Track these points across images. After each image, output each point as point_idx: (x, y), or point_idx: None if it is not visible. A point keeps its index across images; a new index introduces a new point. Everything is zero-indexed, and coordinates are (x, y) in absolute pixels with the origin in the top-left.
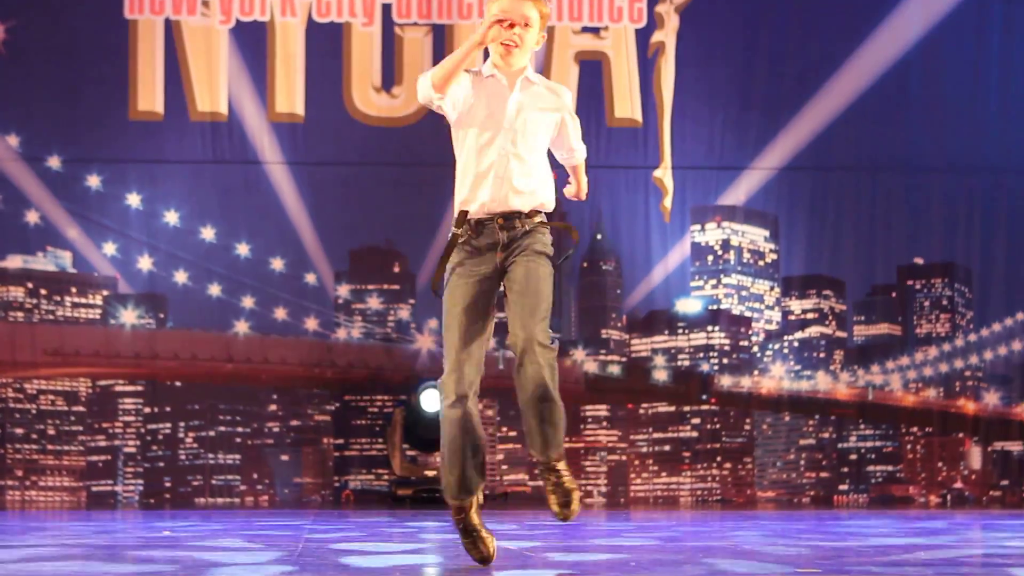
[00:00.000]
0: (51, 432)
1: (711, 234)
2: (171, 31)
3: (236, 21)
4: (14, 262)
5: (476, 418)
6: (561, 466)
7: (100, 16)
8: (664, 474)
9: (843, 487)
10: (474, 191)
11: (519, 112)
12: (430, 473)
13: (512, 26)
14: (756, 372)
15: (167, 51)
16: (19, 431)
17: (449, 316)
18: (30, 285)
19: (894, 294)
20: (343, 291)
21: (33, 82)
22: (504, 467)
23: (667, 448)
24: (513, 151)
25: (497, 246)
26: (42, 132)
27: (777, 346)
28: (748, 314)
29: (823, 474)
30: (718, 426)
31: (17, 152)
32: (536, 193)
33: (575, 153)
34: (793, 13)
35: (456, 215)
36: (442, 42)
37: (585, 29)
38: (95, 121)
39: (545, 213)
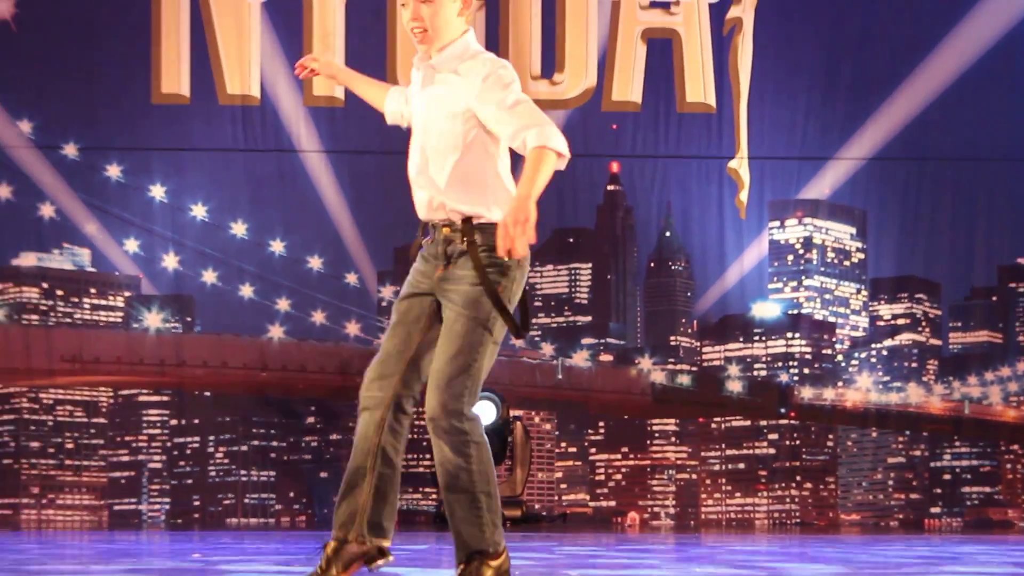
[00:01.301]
0: (69, 446)
1: (791, 231)
2: (198, 5)
3: None
4: (28, 260)
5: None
6: (472, 571)
7: None
8: (738, 495)
9: (935, 510)
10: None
11: (424, 108)
12: None
13: (416, 14)
14: (840, 383)
15: (193, 27)
16: (35, 445)
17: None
18: (45, 286)
19: (995, 298)
20: (387, 292)
21: (47, 62)
22: (563, 486)
23: (741, 466)
24: (420, 154)
25: (438, 257)
26: (57, 117)
27: (864, 355)
28: (832, 319)
29: (913, 495)
30: (798, 442)
31: (30, 139)
32: (461, 196)
33: (525, 140)
34: None
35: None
36: (495, 16)
37: (653, 4)
38: (115, 105)
39: (488, 223)
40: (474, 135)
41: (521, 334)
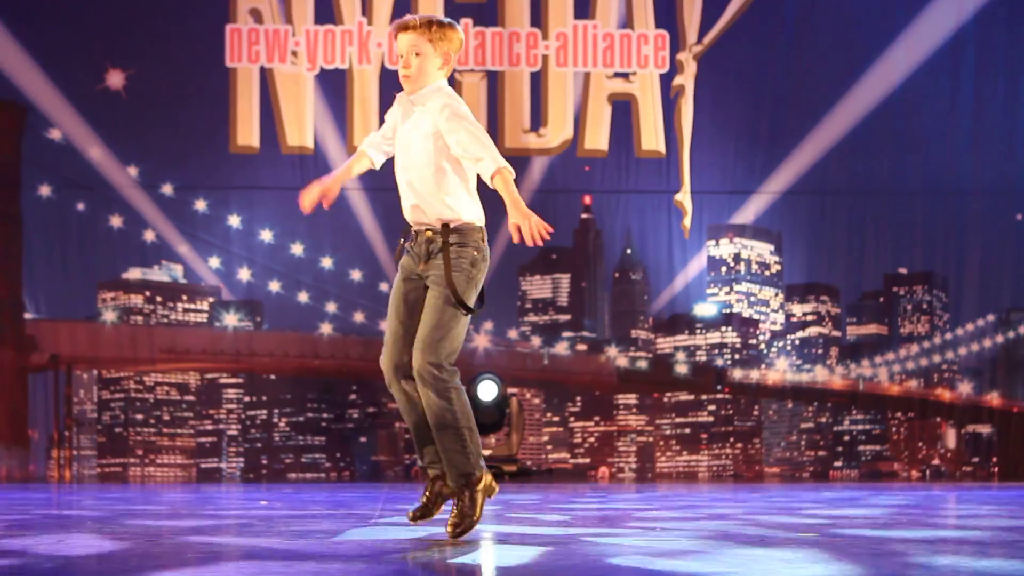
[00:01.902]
0: (166, 418)
1: (724, 248)
2: (265, 77)
3: (320, 68)
4: (134, 274)
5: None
6: (466, 499)
7: (205, 64)
8: (685, 453)
9: (838, 464)
10: (403, 206)
11: (407, 138)
12: (486, 452)
13: (407, 63)
14: (763, 366)
15: (262, 94)
16: (139, 417)
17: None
18: (148, 293)
19: (881, 299)
20: None
21: (149, 121)
22: (549, 447)
23: (687, 431)
24: (412, 171)
25: (421, 256)
26: (157, 164)
27: (781, 344)
28: (756, 317)
29: (821, 453)
30: (731, 412)
31: (136, 181)
32: (436, 207)
33: (479, 166)
34: (794, 59)
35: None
36: (495, 86)
37: (617, 74)
38: (201, 154)
39: (460, 228)
40: (446, 153)
41: (475, 312)
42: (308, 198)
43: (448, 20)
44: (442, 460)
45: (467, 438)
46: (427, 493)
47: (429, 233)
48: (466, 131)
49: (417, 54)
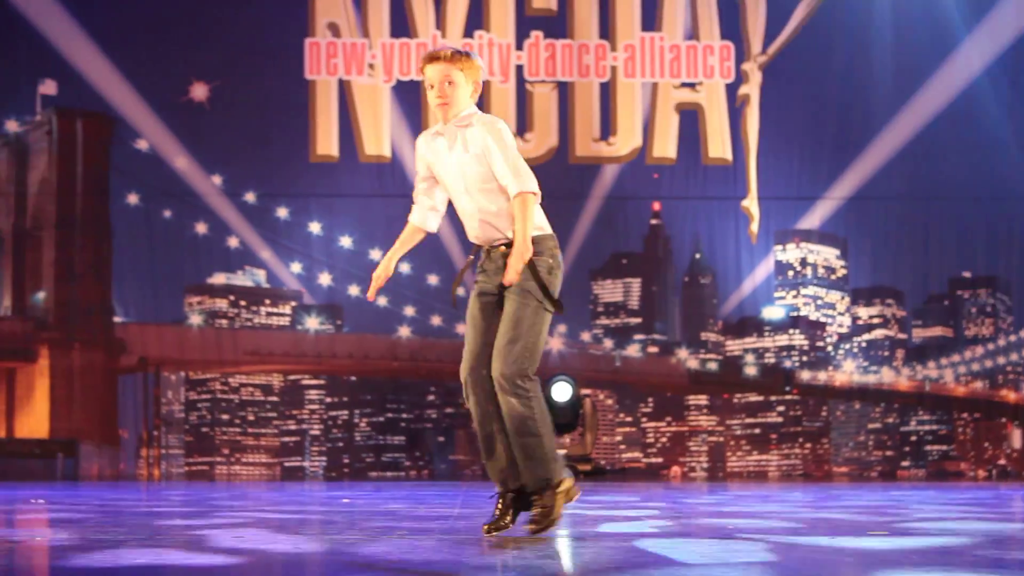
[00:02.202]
0: (251, 418)
1: (791, 253)
2: (344, 88)
3: (396, 80)
4: (219, 279)
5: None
6: (546, 499)
7: (286, 77)
8: (755, 453)
9: (905, 463)
10: (468, 229)
11: (453, 163)
12: (560, 452)
13: (441, 91)
14: (830, 368)
15: (340, 105)
16: (225, 417)
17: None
18: (232, 298)
19: (947, 302)
20: None
21: (232, 132)
22: (622, 447)
23: (757, 431)
24: (472, 193)
25: (500, 270)
26: (240, 172)
27: (848, 346)
28: (823, 319)
29: (888, 453)
30: (799, 413)
31: (220, 189)
32: (506, 221)
33: (507, 187)
34: (857, 68)
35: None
36: (566, 96)
37: (683, 84)
38: (282, 163)
39: (538, 235)
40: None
41: (561, 310)
42: (373, 291)
43: (471, 51)
44: (520, 465)
45: (547, 444)
46: (498, 506)
47: (503, 248)
48: (504, 153)
49: (450, 83)
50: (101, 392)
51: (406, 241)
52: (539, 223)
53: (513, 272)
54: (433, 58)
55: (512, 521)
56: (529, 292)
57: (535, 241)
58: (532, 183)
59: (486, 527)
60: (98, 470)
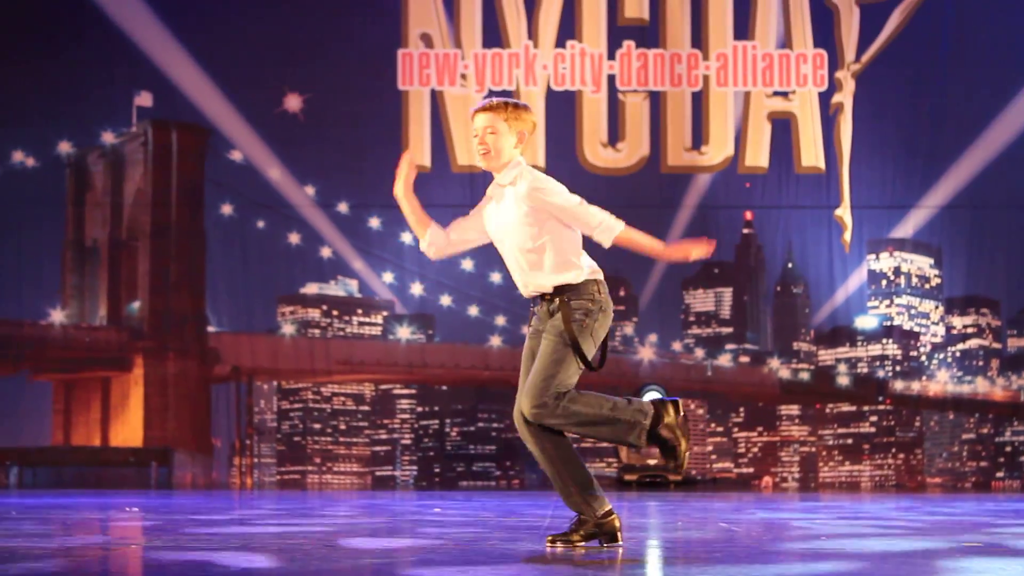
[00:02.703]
0: (342, 427)
1: (884, 262)
2: (436, 99)
3: (488, 90)
4: (311, 289)
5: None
6: (657, 443)
7: (379, 88)
8: (847, 463)
9: (1000, 474)
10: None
11: (497, 222)
12: (651, 462)
13: (483, 140)
14: (924, 377)
15: (432, 115)
16: (316, 426)
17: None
18: (324, 307)
19: None
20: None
21: (325, 142)
22: (713, 457)
23: (850, 441)
24: (519, 252)
25: (545, 316)
26: (333, 183)
27: (942, 356)
28: (917, 329)
29: (982, 463)
30: (892, 423)
31: (313, 200)
32: (545, 277)
33: (593, 232)
34: (951, 75)
35: None
36: (658, 105)
37: (776, 93)
38: (375, 173)
39: (572, 284)
40: (545, 226)
41: (593, 368)
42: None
43: (523, 103)
44: (616, 442)
45: (611, 415)
46: (573, 524)
47: (548, 296)
48: (568, 208)
49: (491, 132)
50: (195, 401)
51: (421, 213)
52: (586, 271)
53: (703, 253)
54: (481, 108)
55: (581, 543)
56: (562, 332)
57: (575, 287)
58: (611, 225)
59: (551, 537)
60: (191, 478)
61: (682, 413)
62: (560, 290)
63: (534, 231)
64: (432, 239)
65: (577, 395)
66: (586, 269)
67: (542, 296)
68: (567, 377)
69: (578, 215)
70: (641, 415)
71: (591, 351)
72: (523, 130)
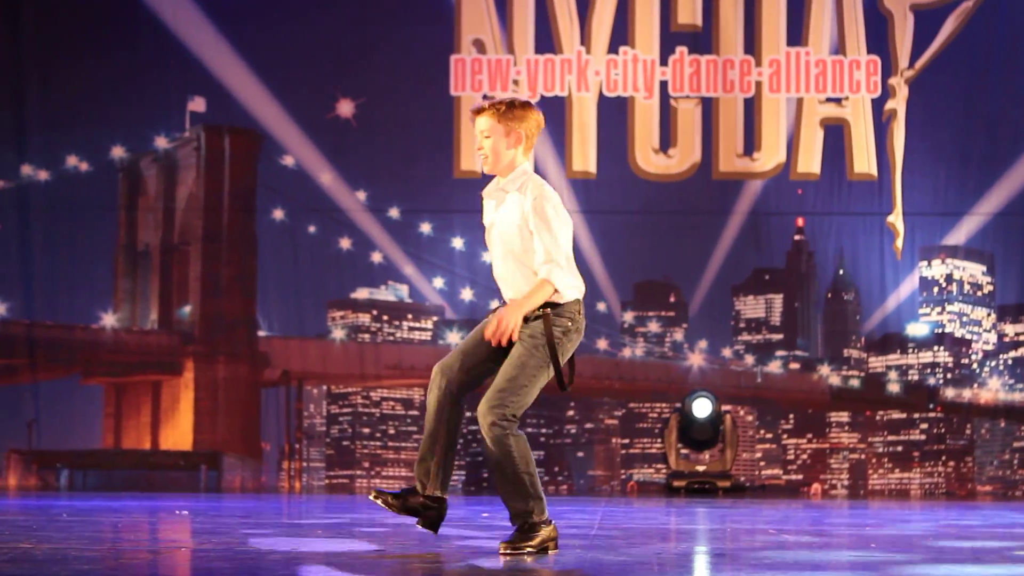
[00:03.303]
0: (391, 432)
1: (936, 269)
2: None
3: (540, 96)
4: (362, 294)
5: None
6: (526, 528)
7: (430, 94)
8: (897, 470)
9: None
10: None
11: (493, 226)
12: (700, 468)
13: (481, 144)
14: (975, 385)
15: None
16: (366, 430)
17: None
18: (375, 312)
19: None
20: (628, 317)
21: (377, 148)
22: (762, 463)
23: (900, 449)
24: (509, 258)
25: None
26: (384, 188)
27: (993, 363)
28: (968, 336)
29: None
30: (943, 430)
31: (365, 205)
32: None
33: (540, 267)
34: (1006, 81)
35: None
36: (710, 111)
37: (829, 99)
38: (426, 179)
39: (552, 304)
40: (530, 245)
41: (564, 387)
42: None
43: (524, 100)
44: (501, 494)
45: (526, 482)
46: (402, 490)
47: (534, 311)
48: (548, 233)
49: (487, 136)
50: (244, 405)
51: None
52: (571, 291)
53: (492, 328)
54: (476, 111)
55: (400, 508)
56: (539, 345)
57: (559, 306)
58: (559, 278)
59: (375, 492)
60: (240, 482)
61: (553, 546)
62: (545, 304)
63: (523, 242)
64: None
65: (521, 439)
66: (575, 288)
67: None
68: (533, 392)
69: (546, 244)
70: (537, 509)
71: (557, 360)
72: (521, 131)
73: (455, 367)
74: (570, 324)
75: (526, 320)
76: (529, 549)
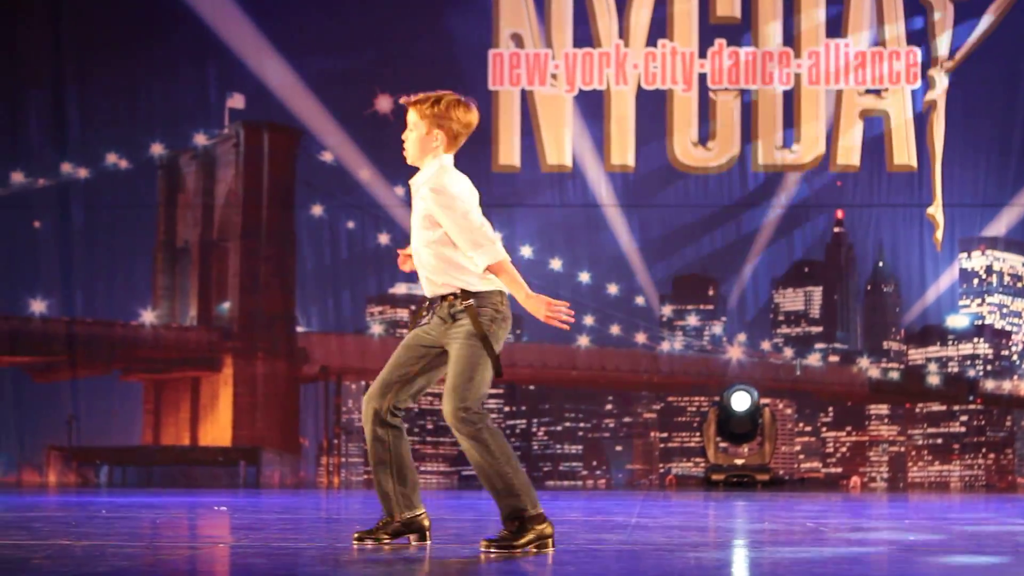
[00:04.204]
0: (429, 426)
1: (976, 260)
2: (526, 99)
3: (579, 90)
4: (400, 289)
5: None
6: (515, 526)
7: (469, 88)
8: (937, 463)
9: None
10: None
11: (413, 216)
12: (739, 461)
13: (404, 138)
14: (1016, 377)
15: (523, 115)
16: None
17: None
18: (413, 307)
19: None
20: (667, 310)
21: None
22: (801, 456)
23: (939, 441)
24: (419, 249)
25: (446, 319)
26: None
27: None
28: (1009, 328)
29: None
30: (983, 422)
31: (403, 200)
32: (453, 278)
33: (473, 253)
34: None
35: None
36: (749, 104)
37: (868, 91)
38: (465, 173)
39: (476, 292)
40: (443, 233)
41: (499, 372)
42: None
43: (456, 99)
44: (492, 496)
45: (511, 476)
46: (380, 522)
47: (451, 298)
48: (455, 224)
49: (411, 129)
50: (283, 401)
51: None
52: (491, 282)
53: (553, 319)
54: (404, 102)
55: (387, 541)
56: (475, 336)
57: (481, 295)
58: (492, 252)
59: (359, 533)
60: (279, 478)
61: (548, 542)
62: (467, 294)
63: (436, 232)
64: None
65: (497, 433)
66: (492, 280)
67: (443, 297)
68: (486, 380)
69: (460, 232)
70: (530, 503)
71: (494, 349)
72: (448, 128)
73: (377, 394)
74: (495, 313)
75: (453, 318)
76: (520, 547)
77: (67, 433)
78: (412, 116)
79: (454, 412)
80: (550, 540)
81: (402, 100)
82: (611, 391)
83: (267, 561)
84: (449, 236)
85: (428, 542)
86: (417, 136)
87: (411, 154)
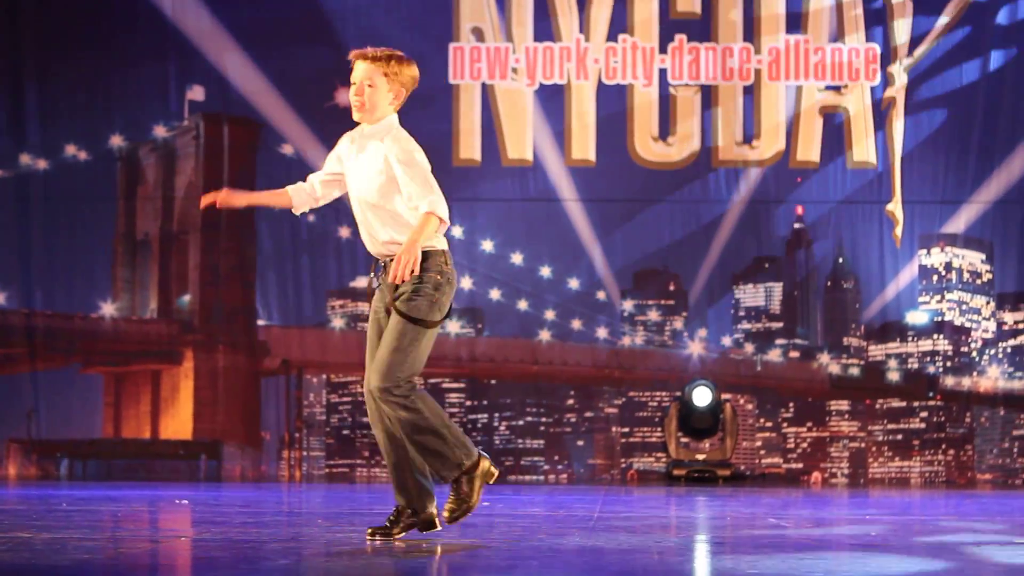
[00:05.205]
0: None
1: (936, 257)
2: (487, 93)
3: (539, 84)
4: (362, 282)
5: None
6: (462, 485)
7: (429, 82)
8: (897, 459)
9: None
10: (363, 238)
11: (359, 170)
12: (700, 457)
13: (360, 91)
14: (975, 373)
15: (483, 109)
16: (365, 419)
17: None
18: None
19: None
20: (628, 305)
21: None
22: (762, 452)
23: (899, 437)
24: (366, 205)
25: (390, 286)
26: None
27: (993, 351)
28: (968, 325)
29: None
30: (943, 419)
31: None
32: (395, 235)
33: (416, 205)
34: (1005, 69)
35: None
36: (709, 99)
37: (828, 87)
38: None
39: (427, 251)
40: (399, 190)
41: (437, 324)
42: (208, 199)
43: (406, 57)
44: (427, 463)
45: (446, 434)
46: (391, 517)
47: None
48: (415, 174)
49: (370, 85)
50: (244, 394)
51: (272, 196)
52: (435, 241)
53: (394, 271)
54: (361, 56)
55: (400, 532)
56: (410, 305)
57: (425, 256)
58: (442, 208)
59: (371, 529)
60: (240, 471)
61: (494, 476)
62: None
63: (391, 186)
64: (299, 203)
65: (426, 396)
66: (437, 240)
67: (390, 258)
68: (422, 354)
69: (415, 180)
70: (465, 454)
71: (437, 319)
72: (402, 87)
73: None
74: (439, 278)
75: (395, 286)
76: (473, 505)
77: (27, 426)
78: (367, 73)
79: (379, 390)
80: (494, 473)
81: (357, 53)
82: (572, 386)
83: (229, 554)
84: (399, 186)
85: (439, 526)
86: (375, 94)
87: (368, 110)
